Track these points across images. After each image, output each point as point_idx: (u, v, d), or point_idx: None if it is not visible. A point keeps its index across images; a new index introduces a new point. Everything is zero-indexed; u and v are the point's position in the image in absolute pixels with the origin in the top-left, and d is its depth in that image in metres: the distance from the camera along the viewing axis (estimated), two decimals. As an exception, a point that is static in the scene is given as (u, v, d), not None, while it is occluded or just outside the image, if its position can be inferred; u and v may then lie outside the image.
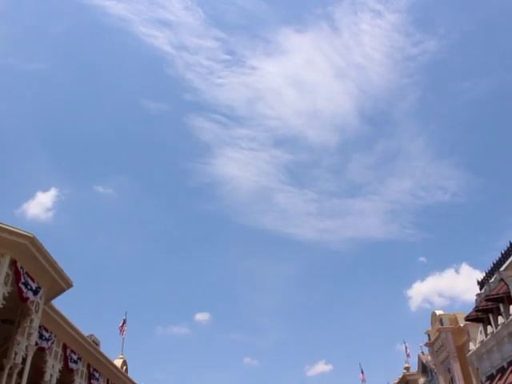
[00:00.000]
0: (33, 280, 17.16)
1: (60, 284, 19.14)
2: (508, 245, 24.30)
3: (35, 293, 17.32)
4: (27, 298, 16.77)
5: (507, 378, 20.45)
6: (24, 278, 16.56)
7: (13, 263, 16.17)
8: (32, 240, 16.35)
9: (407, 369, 43.18)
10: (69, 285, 19.61)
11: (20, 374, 17.55)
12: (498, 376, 22.05)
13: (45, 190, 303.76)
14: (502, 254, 24.93)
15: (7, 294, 15.60)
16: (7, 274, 15.81)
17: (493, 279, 24.26)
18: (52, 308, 21.02)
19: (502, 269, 23.53)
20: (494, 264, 25.68)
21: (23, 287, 16.44)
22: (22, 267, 16.47)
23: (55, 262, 18.09)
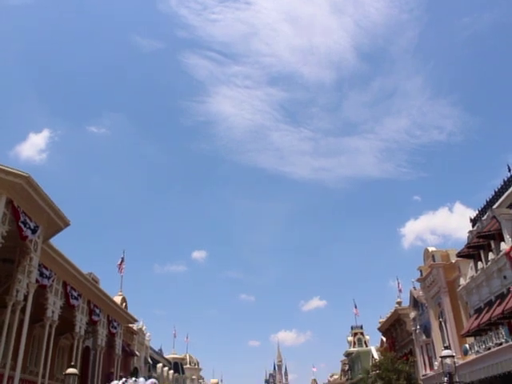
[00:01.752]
0: (30, 219, 17.34)
1: (57, 223, 19.35)
2: (502, 183, 24.51)
3: (33, 232, 17.54)
4: (26, 237, 17.01)
5: (494, 311, 21.16)
6: (22, 216, 16.73)
7: (9, 203, 16.28)
8: (27, 179, 16.38)
9: (399, 303, 44.61)
10: (66, 223, 19.83)
11: (23, 311, 18.07)
12: (486, 309, 22.80)
13: (37, 131, 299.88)
14: (495, 191, 25.20)
15: (5, 234, 15.80)
16: (4, 214, 15.94)
17: (485, 217, 24.61)
18: (51, 247, 21.36)
19: (494, 206, 23.83)
20: (487, 202, 26.00)
21: (22, 226, 16.64)
22: (18, 206, 16.60)
23: (51, 201, 18.21)
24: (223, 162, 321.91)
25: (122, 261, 38.95)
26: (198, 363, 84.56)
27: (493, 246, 22.88)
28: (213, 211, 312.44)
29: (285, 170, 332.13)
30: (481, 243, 24.00)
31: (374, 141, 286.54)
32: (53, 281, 21.73)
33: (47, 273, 20.94)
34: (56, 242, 21.93)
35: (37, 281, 19.30)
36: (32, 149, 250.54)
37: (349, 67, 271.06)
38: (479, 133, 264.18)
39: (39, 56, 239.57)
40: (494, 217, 22.53)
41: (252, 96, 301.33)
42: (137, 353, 40.38)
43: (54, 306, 22.14)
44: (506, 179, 24.10)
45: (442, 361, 17.49)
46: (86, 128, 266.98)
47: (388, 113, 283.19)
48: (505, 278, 21.43)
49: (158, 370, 52.13)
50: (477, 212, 27.26)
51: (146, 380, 19.04)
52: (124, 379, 18.79)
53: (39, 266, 19.58)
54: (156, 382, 19.05)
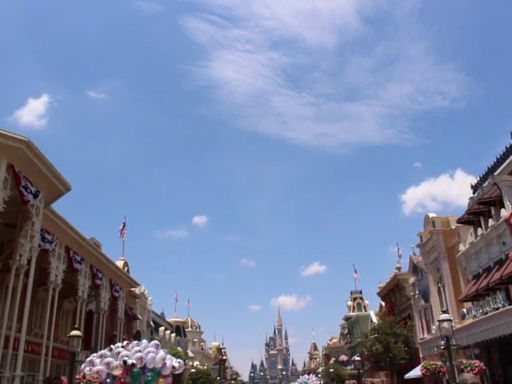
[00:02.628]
0: (32, 184, 17.36)
1: (58, 187, 19.39)
2: (504, 149, 24.37)
3: (35, 196, 17.59)
4: (28, 202, 17.07)
5: (492, 276, 21.37)
6: (24, 181, 16.75)
7: (10, 168, 16.27)
8: (28, 144, 16.33)
9: (398, 269, 44.98)
10: (67, 188, 19.87)
11: (26, 275, 18.29)
12: (484, 275, 23.01)
13: (36, 96, 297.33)
14: (497, 158, 25.05)
15: (7, 198, 15.85)
16: (5, 179, 15.95)
17: (486, 183, 24.58)
18: (53, 212, 21.46)
19: (496, 173, 23.77)
20: (488, 168, 25.89)
21: (24, 191, 16.68)
22: (19, 171, 16.60)
23: (52, 166, 18.21)
24: (224, 127, 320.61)
25: (124, 226, 39.17)
26: (199, 327, 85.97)
27: (493, 212, 22.92)
28: (213, 176, 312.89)
29: (286, 135, 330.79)
30: (481, 210, 24.03)
31: (377, 107, 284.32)
32: (55, 245, 21.93)
33: (49, 237, 21.11)
34: (57, 207, 22.07)
35: (39, 245, 19.47)
36: (31, 114, 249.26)
37: (352, 31, 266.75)
38: (482, 99, 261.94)
39: (38, 20, 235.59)
40: (495, 183, 22.50)
41: (253, 60, 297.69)
42: (139, 316, 41.01)
43: (57, 270, 22.40)
44: (508, 146, 23.94)
45: (439, 324, 17.75)
46: (85, 93, 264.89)
47: (391, 78, 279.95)
48: (504, 244, 21.54)
49: (161, 333, 53.02)
50: (478, 179, 27.18)
51: (149, 342, 19.39)
52: (127, 341, 19.09)
53: (41, 230, 19.73)
54: (159, 343, 19.34)
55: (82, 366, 18.55)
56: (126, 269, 36.73)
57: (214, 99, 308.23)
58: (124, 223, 39.33)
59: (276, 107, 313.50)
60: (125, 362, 17.21)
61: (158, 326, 54.26)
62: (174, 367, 18.47)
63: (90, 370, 17.42)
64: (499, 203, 22.11)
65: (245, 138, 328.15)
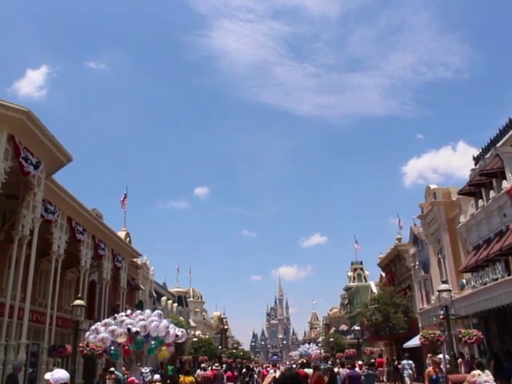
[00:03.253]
0: (32, 155, 17.32)
1: (59, 158, 19.36)
2: (507, 121, 24.20)
3: (36, 167, 17.57)
4: (28, 173, 17.06)
5: (492, 248, 21.49)
6: (24, 152, 16.69)
7: (11, 138, 16.21)
8: (28, 114, 16.23)
9: (399, 240, 45.19)
10: (68, 159, 19.85)
11: (29, 245, 18.41)
12: (484, 246, 23.13)
13: (35, 67, 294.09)
14: (499, 130, 24.89)
15: (8, 169, 15.84)
16: (6, 150, 15.91)
17: (488, 155, 24.47)
18: (54, 183, 21.49)
19: (498, 145, 23.66)
20: (490, 140, 25.75)
21: (23, 162, 16.64)
22: (20, 142, 16.54)
23: (53, 137, 18.14)
24: (225, 98, 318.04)
25: (125, 197, 39.23)
26: (201, 297, 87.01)
27: (494, 184, 22.91)
28: (215, 147, 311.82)
29: (287, 106, 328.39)
30: (482, 181, 24.01)
31: (379, 77, 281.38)
32: (57, 216, 22.02)
33: (52, 208, 21.18)
34: (59, 178, 22.12)
35: (42, 216, 19.56)
36: (30, 85, 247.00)
37: (355, 0, 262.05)
38: (486, 71, 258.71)
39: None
40: (498, 155, 22.42)
41: (255, 30, 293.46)
42: (141, 286, 41.46)
43: (59, 241, 22.55)
44: (511, 117, 23.78)
45: (439, 295, 17.92)
46: (84, 64, 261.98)
47: (394, 49, 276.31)
48: (504, 215, 21.59)
49: (163, 303, 53.72)
50: (480, 150, 27.06)
51: (152, 312, 19.70)
52: (131, 310, 19.36)
53: (43, 201, 19.78)
54: (161, 313, 19.64)
55: (87, 333, 18.88)
56: (127, 239, 36.97)
57: (215, 70, 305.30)
58: (125, 194, 39.41)
59: (278, 78, 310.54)
60: (129, 329, 17.51)
61: (160, 296, 54.92)
62: (176, 336, 18.75)
63: (95, 337, 17.75)
64: (501, 175, 22.07)
65: (246, 108, 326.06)
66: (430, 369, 13.18)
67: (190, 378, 17.08)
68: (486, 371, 11.03)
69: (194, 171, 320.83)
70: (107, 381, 19.39)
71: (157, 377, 17.69)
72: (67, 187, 22.98)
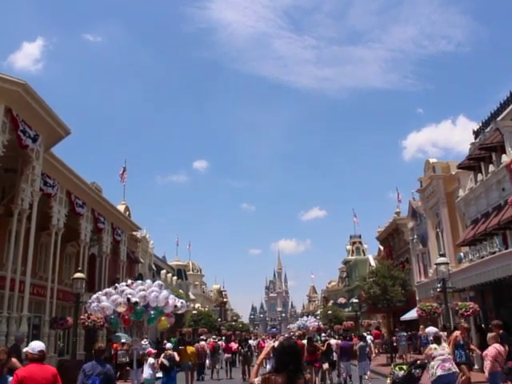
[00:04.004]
0: (30, 128, 17.21)
1: (58, 131, 19.27)
2: (508, 95, 24.03)
3: (34, 140, 17.49)
4: (26, 146, 16.99)
5: (490, 222, 21.58)
6: (22, 125, 16.59)
7: (8, 111, 16.09)
8: (25, 87, 16.08)
9: (398, 214, 45.38)
10: (67, 132, 19.75)
11: (29, 219, 18.45)
12: (482, 220, 23.21)
13: (31, 39, 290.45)
14: (500, 103, 24.72)
15: (6, 143, 15.77)
16: (4, 123, 15.81)
17: (488, 129, 24.35)
18: (53, 156, 21.45)
19: (498, 119, 23.53)
20: (491, 114, 25.59)
21: (22, 135, 16.56)
22: (17, 115, 16.42)
23: (51, 109, 18.02)
24: (225, 71, 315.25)
25: (124, 170, 39.14)
26: (200, 270, 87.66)
27: (494, 158, 22.87)
28: (214, 121, 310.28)
29: (287, 79, 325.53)
30: (482, 155, 23.96)
31: (380, 50, 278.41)
32: (57, 190, 22.02)
33: (51, 182, 21.17)
34: (58, 152, 22.07)
35: (41, 189, 19.55)
36: (27, 58, 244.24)
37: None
38: (488, 44, 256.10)
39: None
40: (498, 129, 22.32)
41: (255, 2, 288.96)
42: (141, 260, 41.73)
43: (59, 215, 22.61)
44: (512, 91, 23.59)
45: (436, 268, 18.07)
46: (81, 36, 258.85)
47: (395, 21, 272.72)
48: (503, 190, 21.61)
49: (162, 276, 54.15)
50: (480, 124, 26.92)
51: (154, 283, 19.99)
52: (131, 281, 19.65)
53: (42, 175, 19.75)
54: (162, 283, 19.89)
55: (88, 302, 19.12)
56: (127, 213, 37.05)
57: (215, 42, 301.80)
58: (124, 168, 39.30)
59: (277, 50, 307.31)
60: (128, 299, 17.81)
61: (159, 269, 55.34)
62: (175, 306, 19.05)
63: (97, 306, 18.02)
64: (501, 149, 22.02)
65: (245, 81, 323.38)
66: (457, 333, 13.30)
67: (192, 349, 18.57)
68: (443, 345, 11.55)
69: (193, 145, 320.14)
70: (119, 352, 19.77)
71: (169, 345, 18.07)
72: (66, 161, 22.98)
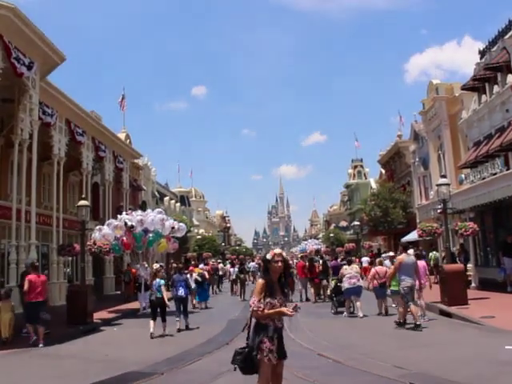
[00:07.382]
0: (24, 55, 16.74)
1: (52, 58, 18.78)
2: (516, 11, 23.12)
3: (29, 68, 17.08)
4: (22, 74, 16.62)
5: (492, 143, 21.45)
6: (15, 52, 16.12)
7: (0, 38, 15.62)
8: (15, 11, 15.49)
9: (400, 137, 45.10)
10: (62, 58, 19.26)
11: (30, 149, 18.41)
12: (485, 142, 23.06)
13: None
14: (509, 20, 23.75)
15: (0, 71, 15.42)
16: (-4, 51, 15.40)
17: (495, 48, 23.62)
18: (50, 85, 21.09)
19: (506, 37, 22.76)
20: (498, 32, 24.69)
21: (16, 62, 16.14)
22: (10, 42, 15.92)
23: (44, 35, 17.46)
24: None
25: (123, 98, 38.56)
26: (203, 196, 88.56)
27: (499, 78, 22.35)
28: (212, 45, 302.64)
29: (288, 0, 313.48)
30: (487, 76, 23.41)
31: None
32: (56, 119, 21.82)
33: (49, 111, 20.94)
34: (55, 80, 21.69)
35: (40, 119, 19.36)
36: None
37: None
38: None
39: None
40: (505, 48, 21.64)
41: None
42: (144, 187, 42.00)
43: (59, 144, 22.55)
44: (521, 6, 22.70)
45: (437, 189, 18.16)
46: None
47: None
48: (507, 111, 21.30)
49: (165, 203, 54.71)
50: (486, 43, 26.06)
51: (153, 211, 20.52)
52: (131, 210, 20.20)
53: (41, 104, 19.50)
54: (162, 211, 20.42)
55: (92, 232, 19.59)
56: (128, 141, 36.91)
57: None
58: (123, 95, 38.70)
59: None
60: (125, 223, 18.39)
61: (162, 196, 55.84)
62: (172, 228, 19.69)
63: (99, 234, 18.61)
64: (507, 68, 21.47)
65: (245, 3, 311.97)
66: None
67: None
68: (353, 266, 15.86)
69: (191, 70, 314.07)
70: (137, 275, 20.61)
71: (202, 266, 19.70)
72: (64, 90, 22.63)
